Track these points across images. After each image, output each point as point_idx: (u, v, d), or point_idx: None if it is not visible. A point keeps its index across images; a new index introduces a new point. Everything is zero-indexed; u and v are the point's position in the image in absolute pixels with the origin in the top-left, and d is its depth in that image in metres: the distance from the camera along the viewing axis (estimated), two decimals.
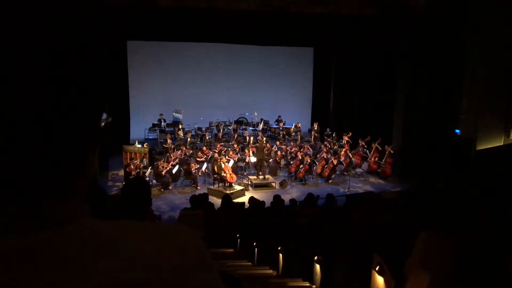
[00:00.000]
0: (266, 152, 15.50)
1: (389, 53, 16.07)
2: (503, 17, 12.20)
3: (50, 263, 0.57)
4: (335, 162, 14.77)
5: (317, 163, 15.14)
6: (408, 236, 2.49)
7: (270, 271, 5.90)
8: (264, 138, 15.57)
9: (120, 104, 16.97)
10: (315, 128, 18.55)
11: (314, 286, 4.78)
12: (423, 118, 14.55)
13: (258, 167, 14.60)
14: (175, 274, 0.61)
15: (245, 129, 18.97)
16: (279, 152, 15.64)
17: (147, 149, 15.11)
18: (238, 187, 13.64)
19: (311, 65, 22.07)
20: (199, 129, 18.39)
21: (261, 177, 14.47)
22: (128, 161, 14.16)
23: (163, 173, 13.56)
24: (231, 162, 14.10)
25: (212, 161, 14.28)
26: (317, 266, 4.65)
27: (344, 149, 15.67)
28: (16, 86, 0.58)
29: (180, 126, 17.80)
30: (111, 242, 0.61)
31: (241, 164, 15.18)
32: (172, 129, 18.12)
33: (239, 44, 19.43)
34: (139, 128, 18.66)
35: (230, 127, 19.26)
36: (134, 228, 0.66)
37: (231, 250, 7.59)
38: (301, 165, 14.68)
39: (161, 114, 18.83)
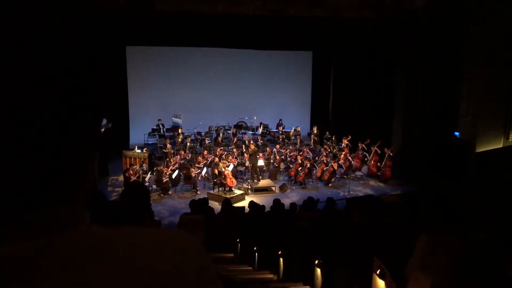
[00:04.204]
0: (266, 156, 15.51)
1: (388, 56, 16.10)
2: (501, 19, 12.23)
3: (51, 270, 0.57)
4: (334, 165, 14.77)
5: (316, 166, 15.13)
6: (408, 238, 2.49)
7: (271, 276, 5.89)
8: (253, 145, 15.51)
9: (120, 109, 16.98)
10: (315, 132, 18.56)
11: None
12: (423, 121, 14.57)
13: (252, 172, 14.63)
14: (175, 280, 0.61)
15: (245, 133, 18.97)
16: (278, 156, 15.65)
17: (146, 154, 15.10)
18: (238, 192, 13.63)
19: (310, 68, 22.10)
20: (199, 133, 18.39)
21: (255, 181, 14.50)
22: (128, 166, 14.14)
23: (165, 180, 13.54)
24: (231, 166, 14.09)
25: (212, 165, 14.27)
26: (318, 270, 4.64)
27: (343, 153, 15.67)
28: (14, 93, 0.58)
29: (179, 131, 17.80)
30: (111, 248, 0.61)
31: (241, 168, 15.17)
32: (171, 133, 18.11)
33: (238, 48, 19.48)
34: (139, 133, 18.65)
35: (230, 132, 19.26)
36: (134, 234, 0.66)
37: (232, 254, 7.59)
38: (301, 169, 14.68)
39: (159, 120, 18.84)
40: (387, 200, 10.61)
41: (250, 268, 6.57)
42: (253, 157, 14.59)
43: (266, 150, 16.07)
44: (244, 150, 15.74)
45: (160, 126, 18.73)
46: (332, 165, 14.75)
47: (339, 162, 15.15)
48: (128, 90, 18.47)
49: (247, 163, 15.03)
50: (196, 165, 14.61)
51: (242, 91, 21.34)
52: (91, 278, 0.57)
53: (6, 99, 0.58)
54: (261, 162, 14.85)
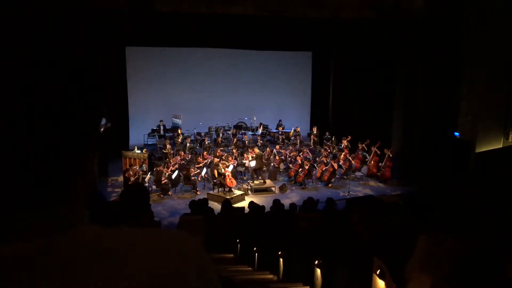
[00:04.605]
0: (266, 156, 15.51)
1: (388, 56, 16.11)
2: (501, 19, 12.23)
3: (51, 270, 0.57)
4: (334, 166, 14.76)
5: (316, 167, 15.13)
6: (408, 239, 2.49)
7: (271, 276, 5.89)
8: (256, 148, 15.52)
9: (119, 109, 16.98)
10: (314, 132, 18.55)
11: None
12: (422, 121, 14.58)
13: (252, 173, 14.63)
14: (175, 280, 0.61)
15: (244, 134, 18.96)
16: (277, 156, 15.64)
17: (146, 155, 15.09)
18: (237, 192, 13.62)
19: (310, 69, 22.10)
20: (198, 134, 18.39)
21: (261, 181, 14.48)
22: (128, 167, 14.13)
23: (163, 181, 13.53)
24: (231, 167, 14.09)
25: (211, 166, 14.27)
26: (318, 270, 4.64)
27: (343, 153, 15.67)
28: (14, 93, 0.58)
29: (179, 131, 17.79)
30: (111, 249, 0.61)
31: (241, 169, 15.16)
32: (171, 134, 18.11)
33: (238, 49, 19.49)
34: (138, 133, 18.66)
35: (229, 132, 19.26)
36: (134, 234, 0.66)
37: (231, 255, 7.58)
38: (301, 169, 14.68)
39: (161, 121, 18.85)
40: (387, 201, 10.60)
41: (250, 268, 6.57)
42: (259, 161, 14.59)
43: (266, 151, 16.06)
44: (246, 156, 15.60)
45: (161, 126, 18.73)
46: (332, 166, 14.75)
47: (339, 162, 15.15)
48: (128, 90, 18.47)
49: (247, 164, 15.03)
50: (196, 165, 14.60)
51: (242, 91, 21.35)
52: (90, 279, 0.57)
53: (6, 99, 0.58)
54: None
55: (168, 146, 16.00)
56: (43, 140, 0.60)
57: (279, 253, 6.08)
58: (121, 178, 14.57)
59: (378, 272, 3.02)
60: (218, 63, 20.75)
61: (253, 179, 14.59)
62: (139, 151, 15.13)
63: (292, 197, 13.54)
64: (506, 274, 1.76)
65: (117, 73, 16.97)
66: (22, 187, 0.60)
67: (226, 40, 17.55)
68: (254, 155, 14.77)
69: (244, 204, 12.26)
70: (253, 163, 14.75)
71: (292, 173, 15.00)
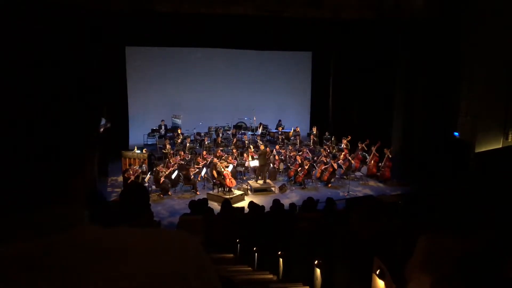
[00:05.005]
0: (267, 156, 15.52)
1: (388, 56, 16.11)
2: (501, 18, 12.24)
3: (51, 270, 0.57)
4: (334, 165, 14.76)
5: (316, 167, 15.12)
6: (408, 239, 2.49)
7: (270, 276, 5.89)
8: (262, 145, 15.54)
9: (119, 109, 16.97)
10: (314, 132, 18.54)
11: None
12: (422, 121, 14.58)
13: (258, 172, 14.63)
14: (175, 280, 0.61)
15: (244, 134, 18.95)
16: (277, 156, 15.64)
17: (146, 155, 15.08)
18: (237, 192, 13.62)
19: (310, 69, 22.10)
20: (198, 134, 18.38)
21: (261, 181, 14.47)
22: (127, 167, 14.12)
23: (161, 181, 13.52)
24: (230, 167, 14.09)
25: (211, 166, 14.26)
26: (318, 270, 4.64)
27: (343, 153, 15.67)
28: (14, 93, 0.58)
29: (179, 131, 17.79)
30: (111, 249, 0.61)
31: (241, 169, 15.15)
32: (171, 134, 18.11)
33: (238, 49, 19.49)
34: (138, 133, 18.65)
35: (229, 132, 19.25)
36: (134, 234, 0.66)
37: (231, 255, 7.58)
38: (300, 169, 14.67)
39: (162, 120, 18.84)
40: (387, 201, 10.60)
41: (250, 268, 6.57)
42: (262, 158, 14.60)
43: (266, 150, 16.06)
44: (246, 156, 15.57)
45: (163, 126, 18.73)
46: (331, 166, 14.75)
47: (339, 162, 15.14)
48: (128, 90, 18.46)
49: (247, 164, 15.02)
50: (195, 166, 14.59)
51: (242, 91, 21.35)
52: (90, 279, 0.57)
53: (7, 100, 0.58)
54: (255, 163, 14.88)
55: (168, 146, 15.99)
56: (43, 140, 0.60)
57: (279, 253, 6.07)
58: (121, 178, 14.56)
59: (378, 272, 3.02)
60: (218, 63, 20.74)
61: (257, 178, 14.58)
62: (139, 151, 15.12)
63: (292, 197, 13.53)
64: (506, 274, 1.76)
65: (117, 73, 16.97)
66: (22, 187, 0.60)
67: (226, 40, 17.54)
68: (260, 152, 14.79)
69: (244, 204, 12.26)
70: (254, 163, 14.75)
71: (292, 173, 14.99)
